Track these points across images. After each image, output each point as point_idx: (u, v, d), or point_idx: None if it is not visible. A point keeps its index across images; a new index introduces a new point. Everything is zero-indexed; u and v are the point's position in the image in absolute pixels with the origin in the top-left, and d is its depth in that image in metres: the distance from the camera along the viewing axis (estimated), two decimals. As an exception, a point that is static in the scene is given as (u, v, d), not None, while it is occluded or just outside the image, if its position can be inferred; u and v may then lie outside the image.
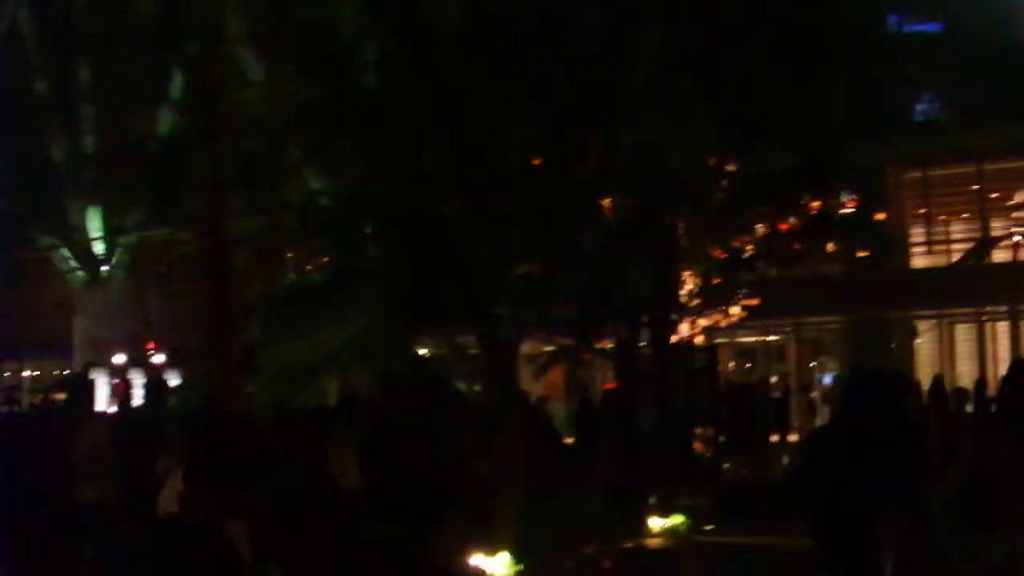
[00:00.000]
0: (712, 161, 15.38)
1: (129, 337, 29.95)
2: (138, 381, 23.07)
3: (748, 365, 33.69)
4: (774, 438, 20.44)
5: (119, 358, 28.82)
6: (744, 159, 15.59)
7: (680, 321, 18.87)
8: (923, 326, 31.16)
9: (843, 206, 19.78)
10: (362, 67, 12.66)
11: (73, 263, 31.27)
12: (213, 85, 15.18)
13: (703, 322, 19.88)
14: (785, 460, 20.43)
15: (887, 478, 6.89)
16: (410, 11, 12.15)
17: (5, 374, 38.45)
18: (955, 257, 31.11)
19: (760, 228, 17.30)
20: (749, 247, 17.94)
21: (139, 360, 29.05)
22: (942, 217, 31.74)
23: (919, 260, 31.69)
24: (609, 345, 17.60)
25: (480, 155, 11.55)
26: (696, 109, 13.20)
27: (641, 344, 18.14)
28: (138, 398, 20.02)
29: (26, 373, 38.78)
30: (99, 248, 30.89)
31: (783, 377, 32.38)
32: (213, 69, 15.32)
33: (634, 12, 13.60)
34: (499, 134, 11.93)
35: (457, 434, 3.30)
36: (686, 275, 17.88)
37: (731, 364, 33.59)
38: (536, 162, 12.32)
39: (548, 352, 17.72)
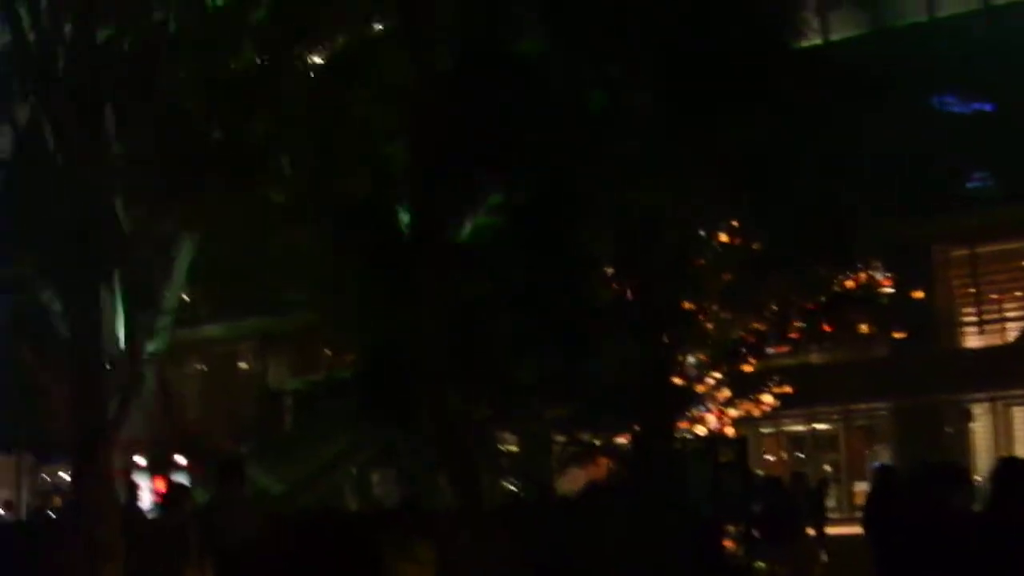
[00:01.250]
0: (714, 234, 14.50)
1: (156, 438, 29.31)
2: (144, 483, 22.46)
3: (800, 455, 32.44)
4: (811, 532, 19.34)
5: (139, 459, 28.17)
6: (750, 230, 14.65)
7: (706, 411, 17.89)
8: (978, 409, 29.81)
9: (878, 284, 18.76)
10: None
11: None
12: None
13: (733, 412, 18.85)
14: (824, 558, 19.27)
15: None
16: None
17: (42, 475, 38.24)
18: (1009, 336, 29.83)
19: (778, 307, 16.23)
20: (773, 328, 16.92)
21: (160, 461, 28.44)
22: (993, 296, 30.53)
23: (971, 340, 30.44)
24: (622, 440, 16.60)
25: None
26: (693, 173, 12.30)
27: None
28: (144, 501, 19.25)
29: (63, 474, 38.47)
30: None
31: (835, 466, 31.21)
32: None
33: (630, 75, 12.86)
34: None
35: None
36: (706, 360, 16.90)
37: (782, 455, 32.36)
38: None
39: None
